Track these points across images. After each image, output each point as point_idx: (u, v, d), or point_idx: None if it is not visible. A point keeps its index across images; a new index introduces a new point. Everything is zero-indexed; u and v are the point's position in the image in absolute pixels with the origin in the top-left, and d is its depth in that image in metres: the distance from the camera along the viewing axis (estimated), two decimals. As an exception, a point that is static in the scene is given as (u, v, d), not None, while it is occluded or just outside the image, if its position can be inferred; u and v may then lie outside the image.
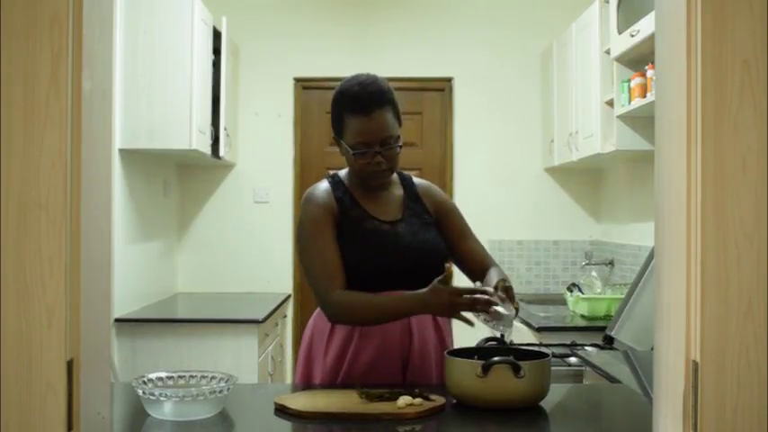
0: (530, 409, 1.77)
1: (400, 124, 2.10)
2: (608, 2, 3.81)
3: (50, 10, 1.11)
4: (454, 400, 1.82)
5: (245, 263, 4.95)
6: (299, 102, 5.03)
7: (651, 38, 3.06)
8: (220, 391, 1.71)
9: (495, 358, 1.75)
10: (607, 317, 3.61)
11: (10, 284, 1.10)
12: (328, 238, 2.06)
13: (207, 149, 4.16)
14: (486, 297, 1.87)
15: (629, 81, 3.56)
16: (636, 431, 1.73)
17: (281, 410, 1.74)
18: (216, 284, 4.92)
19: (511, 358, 1.75)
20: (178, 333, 3.75)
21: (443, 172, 5.01)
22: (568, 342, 3.13)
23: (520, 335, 3.60)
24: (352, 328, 2.04)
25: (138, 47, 3.83)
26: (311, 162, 5.01)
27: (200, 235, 4.95)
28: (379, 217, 2.12)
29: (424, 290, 1.93)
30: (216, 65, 4.32)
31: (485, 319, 1.88)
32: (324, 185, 2.16)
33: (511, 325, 1.89)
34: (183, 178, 4.92)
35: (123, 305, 3.78)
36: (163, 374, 1.82)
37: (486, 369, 1.73)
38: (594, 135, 3.93)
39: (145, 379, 1.77)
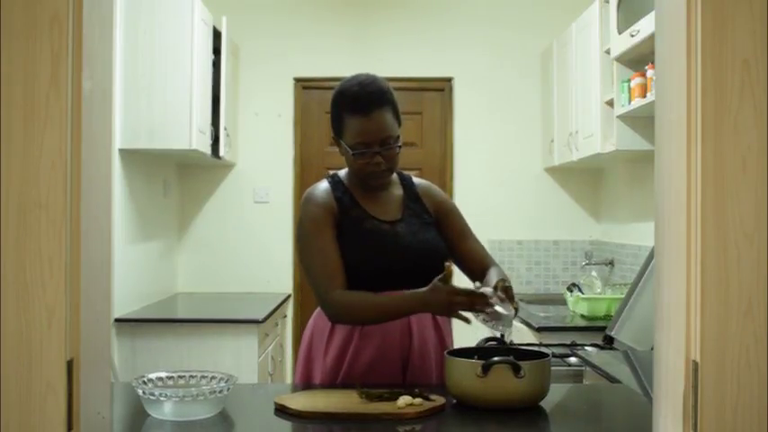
0: (530, 409, 1.77)
1: (400, 124, 2.10)
2: (608, 2, 3.81)
3: (50, 10, 1.11)
4: (454, 400, 1.82)
5: (245, 263, 4.95)
6: (299, 102, 5.03)
7: (651, 38, 3.06)
8: (220, 391, 1.71)
9: (495, 358, 1.75)
10: (607, 317, 3.61)
11: (10, 284, 1.10)
12: (328, 238, 2.06)
13: (207, 149, 4.16)
14: (484, 300, 1.87)
15: (629, 81, 3.56)
16: (636, 431, 1.73)
17: (281, 410, 1.74)
18: (216, 284, 4.92)
19: (511, 358, 1.75)
20: (178, 333, 3.75)
21: (443, 172, 5.01)
22: (568, 342, 3.13)
23: (520, 335, 3.60)
24: (352, 329, 2.04)
25: (138, 47, 3.83)
26: (311, 162, 5.01)
27: (200, 235, 4.95)
28: (378, 217, 2.12)
29: (424, 289, 1.93)
30: (216, 65, 4.32)
31: (484, 319, 1.88)
32: (323, 185, 2.16)
33: (510, 325, 1.89)
34: (183, 178, 4.92)
35: (123, 305, 3.78)
36: (163, 374, 1.82)
37: (486, 369, 1.73)
38: (594, 135, 3.93)
39: (145, 379, 1.77)
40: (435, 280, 1.92)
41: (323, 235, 2.06)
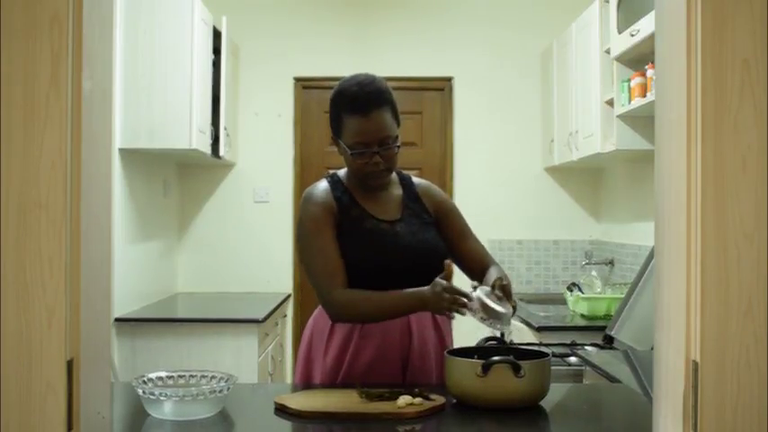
0: (530, 409, 1.77)
1: (399, 124, 2.10)
2: (608, 2, 3.81)
3: (50, 10, 1.11)
4: (454, 400, 1.82)
5: (245, 263, 4.95)
6: (299, 101, 5.03)
7: (651, 37, 3.06)
8: (220, 391, 1.71)
9: (495, 358, 1.75)
10: (607, 316, 3.61)
11: (10, 284, 1.10)
12: (328, 237, 2.06)
13: (207, 149, 4.16)
14: (464, 300, 1.87)
15: (629, 81, 3.56)
16: (636, 431, 1.73)
17: (281, 410, 1.74)
18: (216, 284, 4.92)
19: (511, 358, 1.75)
20: (178, 333, 3.75)
21: (443, 172, 5.01)
22: (568, 342, 3.13)
23: (520, 334, 3.60)
24: (351, 328, 2.04)
25: (138, 47, 3.83)
26: (311, 162, 5.01)
27: (200, 235, 4.95)
28: (378, 216, 2.12)
29: (424, 288, 1.94)
30: (216, 65, 4.32)
31: (482, 318, 1.88)
32: (323, 185, 2.16)
33: (509, 323, 1.89)
34: (182, 178, 4.92)
35: (123, 305, 3.78)
36: (163, 374, 1.82)
37: (486, 369, 1.73)
38: (594, 135, 3.93)
39: (145, 379, 1.78)
40: (437, 279, 1.92)
41: (323, 234, 2.06)
